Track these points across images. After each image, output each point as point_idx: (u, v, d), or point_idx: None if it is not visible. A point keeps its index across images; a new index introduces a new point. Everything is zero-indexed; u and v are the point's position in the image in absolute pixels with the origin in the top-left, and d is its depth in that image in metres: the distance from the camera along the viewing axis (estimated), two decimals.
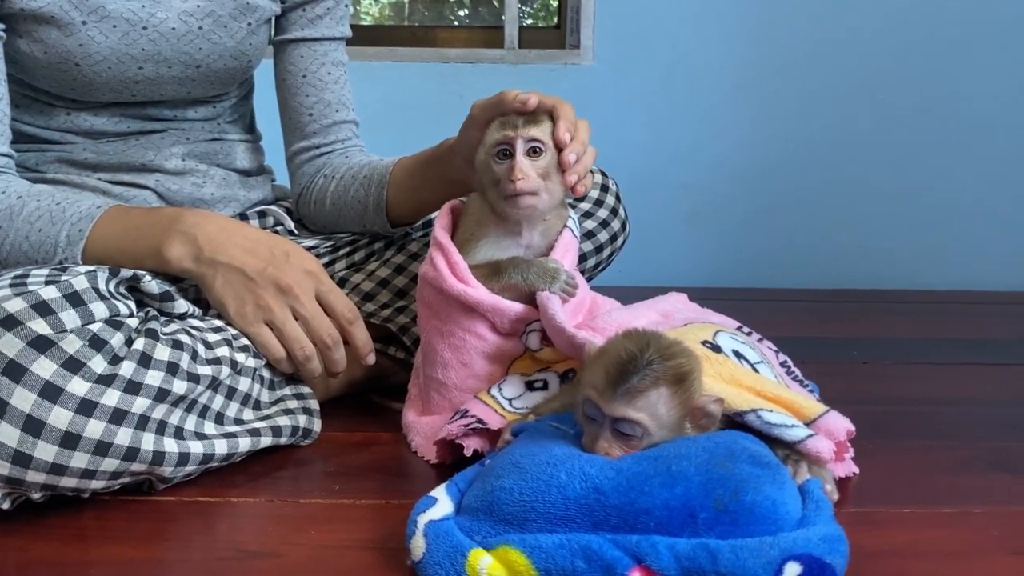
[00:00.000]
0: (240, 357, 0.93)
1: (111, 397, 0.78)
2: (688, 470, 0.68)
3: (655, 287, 2.11)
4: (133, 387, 0.79)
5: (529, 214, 0.94)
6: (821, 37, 2.16)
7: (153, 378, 0.81)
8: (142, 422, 0.80)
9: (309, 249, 1.23)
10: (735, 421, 0.79)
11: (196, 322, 0.94)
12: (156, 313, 0.89)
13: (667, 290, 1.08)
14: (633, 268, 1.84)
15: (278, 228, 1.28)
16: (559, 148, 0.92)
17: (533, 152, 0.91)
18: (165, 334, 0.86)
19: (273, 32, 1.26)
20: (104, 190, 1.17)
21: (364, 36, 2.29)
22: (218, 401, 0.90)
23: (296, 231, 1.28)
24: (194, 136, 1.22)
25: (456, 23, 2.45)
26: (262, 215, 1.28)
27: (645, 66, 2.17)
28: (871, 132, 2.19)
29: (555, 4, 2.30)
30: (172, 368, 0.83)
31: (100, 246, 0.99)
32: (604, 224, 1.27)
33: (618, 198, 1.29)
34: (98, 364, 0.78)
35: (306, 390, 1.02)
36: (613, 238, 1.28)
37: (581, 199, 1.26)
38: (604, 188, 1.29)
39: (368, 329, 1.12)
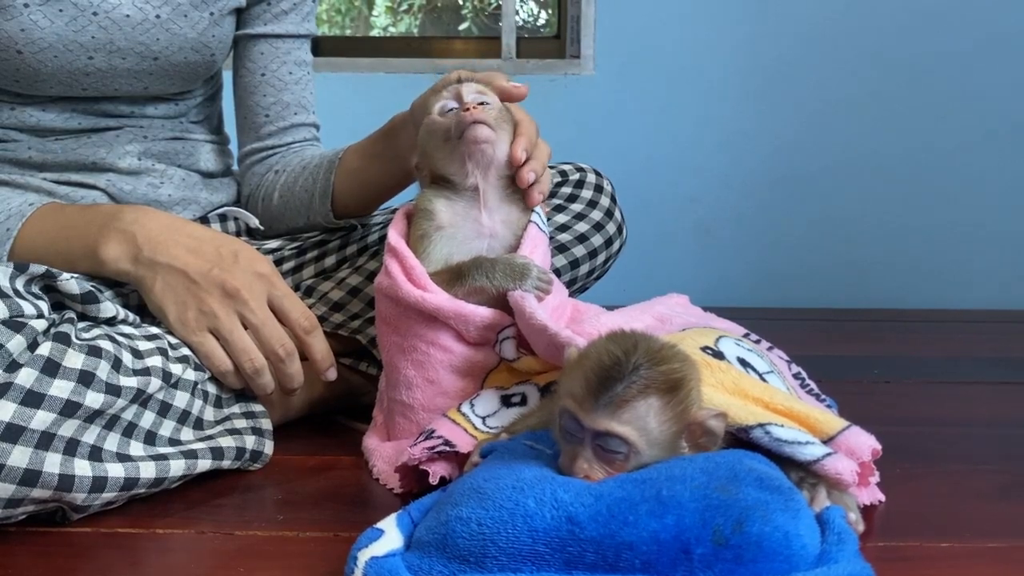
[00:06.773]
0: (176, 369, 0.82)
1: (4, 411, 0.66)
2: (682, 495, 0.56)
3: None
4: (33, 399, 0.68)
5: (487, 152, 0.86)
6: (830, 44, 2.07)
7: (60, 389, 0.69)
8: (44, 440, 0.68)
9: (272, 252, 1.12)
10: (740, 438, 0.67)
11: (127, 328, 0.82)
12: (74, 316, 0.77)
13: None
14: (638, 285, 1.72)
15: (243, 237, 1.18)
16: (514, 164, 0.87)
17: (480, 105, 0.87)
18: (82, 339, 0.74)
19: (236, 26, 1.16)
20: (49, 190, 1.06)
21: (356, 47, 2.21)
22: (148, 418, 0.78)
23: (261, 227, 1.18)
24: (153, 134, 1.12)
25: (462, 35, 2.36)
26: (223, 218, 1.18)
27: (648, 76, 2.09)
28: (889, 142, 2.09)
29: (549, 13, 2.21)
30: (85, 378, 0.71)
31: (30, 246, 0.91)
32: (598, 227, 1.15)
33: (613, 199, 1.18)
34: None
35: (258, 408, 0.91)
36: (608, 242, 1.16)
37: (572, 200, 1.15)
38: (598, 188, 1.17)
39: (337, 342, 1.02)
